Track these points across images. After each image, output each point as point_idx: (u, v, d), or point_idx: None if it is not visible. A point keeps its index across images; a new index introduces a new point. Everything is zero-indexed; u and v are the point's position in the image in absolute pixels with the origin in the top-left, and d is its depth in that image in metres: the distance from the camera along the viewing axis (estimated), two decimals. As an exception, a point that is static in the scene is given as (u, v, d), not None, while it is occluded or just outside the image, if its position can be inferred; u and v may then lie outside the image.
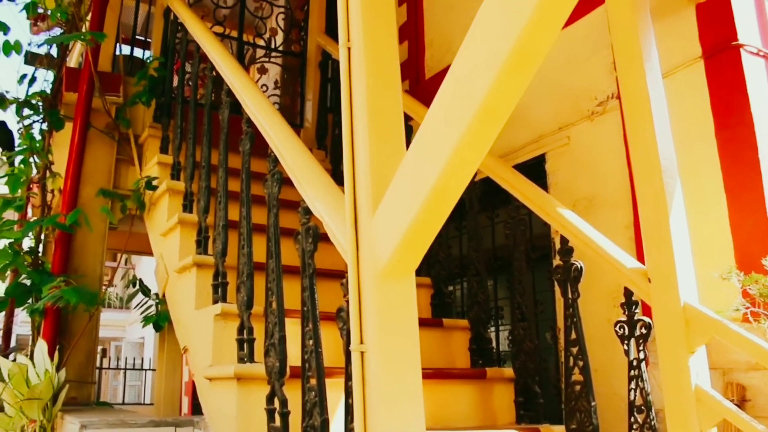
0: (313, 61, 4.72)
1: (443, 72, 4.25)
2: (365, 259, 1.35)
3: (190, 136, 3.17)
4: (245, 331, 2.26)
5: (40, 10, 3.89)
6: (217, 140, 2.78)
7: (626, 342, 2.33)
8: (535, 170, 3.41)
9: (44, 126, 3.83)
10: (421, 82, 4.52)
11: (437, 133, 1.14)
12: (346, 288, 1.43)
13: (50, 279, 3.27)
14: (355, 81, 1.44)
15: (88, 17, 3.84)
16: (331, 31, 4.68)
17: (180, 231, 3.00)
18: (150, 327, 3.83)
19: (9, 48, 3.62)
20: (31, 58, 4.10)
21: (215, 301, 2.54)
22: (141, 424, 2.66)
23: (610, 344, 2.64)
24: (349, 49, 1.47)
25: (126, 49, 4.15)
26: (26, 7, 3.89)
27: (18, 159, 3.69)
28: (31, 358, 3.05)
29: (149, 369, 13.63)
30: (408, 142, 1.40)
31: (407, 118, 2.98)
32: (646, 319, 2.29)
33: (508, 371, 2.82)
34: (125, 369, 13.63)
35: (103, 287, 3.70)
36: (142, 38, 4.94)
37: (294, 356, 1.96)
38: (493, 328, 3.43)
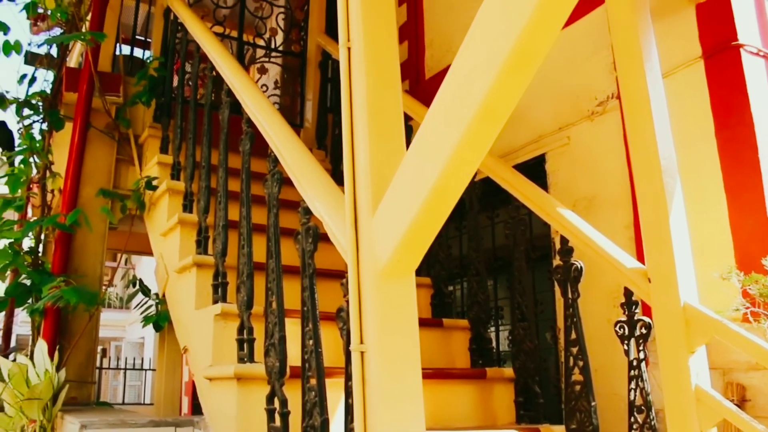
0: (313, 61, 4.72)
1: (443, 72, 4.25)
2: (365, 259, 1.35)
3: (190, 136, 3.17)
4: (245, 331, 2.26)
5: (40, 10, 3.89)
6: (217, 140, 2.78)
7: (626, 342, 2.33)
8: (535, 170, 3.41)
9: (44, 126, 3.83)
10: (421, 82, 4.52)
11: (437, 132, 1.14)
12: (346, 288, 1.43)
13: (50, 279, 3.27)
14: (355, 81, 1.44)
15: (88, 17, 3.84)
16: (331, 31, 4.68)
17: (180, 231, 3.00)
18: (150, 327, 3.83)
19: (9, 48, 3.63)
20: (31, 58, 4.10)
21: (215, 301, 2.54)
22: (141, 424, 2.66)
23: (610, 344, 2.64)
24: (349, 49, 1.47)
25: (126, 49, 4.15)
26: (26, 7, 3.89)
27: (18, 159, 3.70)
28: (31, 358, 3.05)
29: (149, 369, 13.63)
30: (408, 142, 1.40)
31: (407, 118, 2.98)
32: (646, 319, 2.29)
33: (508, 371, 2.82)
34: (125, 369, 13.63)
35: (103, 287, 3.70)
36: (142, 38, 4.94)
37: (294, 356, 1.96)
38: (493, 328, 3.43)
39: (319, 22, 4.75)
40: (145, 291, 3.81)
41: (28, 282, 3.35)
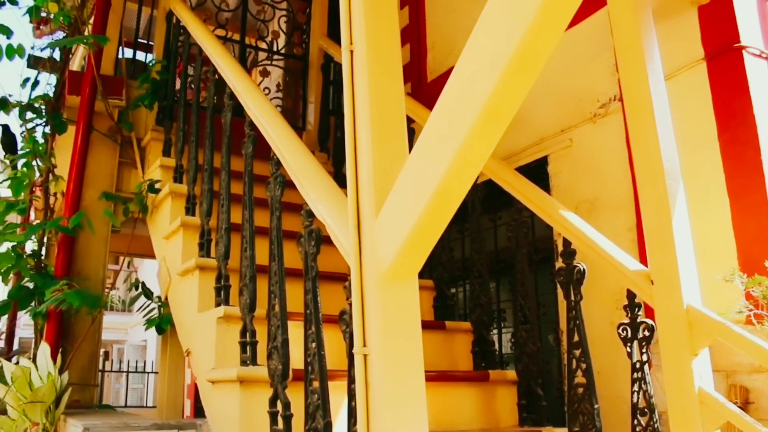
0: (315, 63, 4.72)
1: (445, 75, 4.26)
2: (368, 262, 1.35)
3: (193, 139, 3.17)
4: (248, 334, 2.25)
5: (43, 14, 3.91)
6: (219, 143, 2.78)
7: (629, 344, 2.33)
8: (537, 172, 3.41)
9: (47, 129, 3.84)
10: (423, 85, 4.53)
11: (440, 135, 1.14)
12: (349, 291, 1.43)
13: (53, 282, 3.27)
14: (357, 84, 1.44)
15: (91, 21, 3.85)
16: (333, 33, 4.68)
17: (183, 234, 3.00)
18: (152, 330, 3.83)
19: (12, 51, 3.63)
20: (34, 62, 4.11)
21: (218, 304, 2.54)
22: (144, 427, 2.66)
23: (612, 347, 2.64)
24: (351, 52, 1.47)
25: (128, 53, 4.15)
26: (29, 11, 3.90)
27: (21, 162, 3.70)
28: (34, 361, 3.06)
29: (151, 372, 13.64)
30: (410, 145, 1.40)
31: (409, 121, 2.99)
32: (649, 322, 2.29)
33: (511, 374, 2.82)
34: (127, 372, 13.64)
35: (106, 290, 3.70)
36: (145, 41, 4.94)
37: (297, 359, 1.96)
38: (495, 331, 3.43)
39: (321, 25, 4.76)
40: (148, 294, 3.81)
41: (30, 285, 3.36)
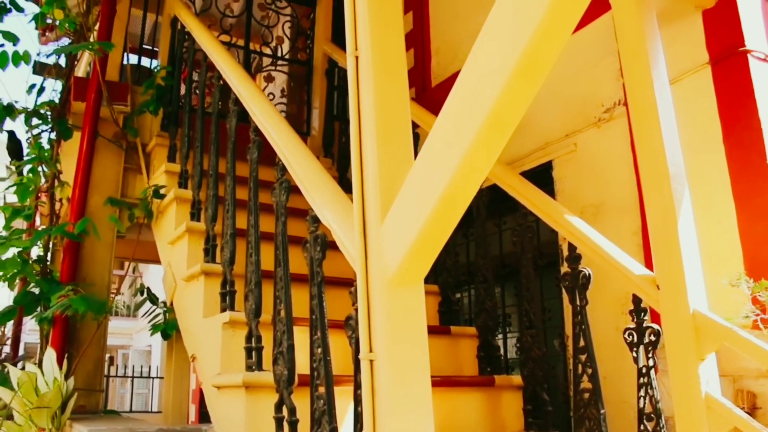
0: (319, 69, 4.74)
1: (449, 79, 4.26)
2: (374, 268, 1.35)
3: (198, 145, 3.18)
4: (253, 340, 2.26)
5: (49, 21, 3.92)
6: (224, 149, 2.79)
7: (635, 349, 2.32)
8: (542, 177, 3.41)
9: (53, 135, 3.86)
10: (427, 90, 4.53)
11: (446, 140, 1.14)
12: (355, 296, 1.43)
13: (59, 288, 3.28)
14: (363, 89, 1.44)
15: (96, 27, 3.87)
16: (337, 39, 4.70)
17: (188, 239, 3.00)
18: (157, 335, 3.84)
19: (18, 58, 3.65)
20: (40, 68, 4.13)
21: (223, 310, 2.54)
22: (149, 432, 2.67)
23: (618, 352, 2.63)
24: (357, 57, 1.47)
25: (133, 59, 4.18)
26: (35, 18, 3.93)
27: (27, 168, 3.72)
28: (40, 366, 3.06)
29: (156, 377, 13.65)
30: (414, 151, 1.40)
31: (413, 126, 2.98)
32: (655, 327, 2.28)
33: (517, 379, 2.81)
34: (132, 377, 13.65)
35: (111, 295, 3.70)
36: (150, 47, 4.96)
37: (302, 364, 1.95)
38: (500, 336, 3.42)
39: (325, 31, 4.77)
40: (153, 299, 3.82)
41: (36, 291, 3.37)
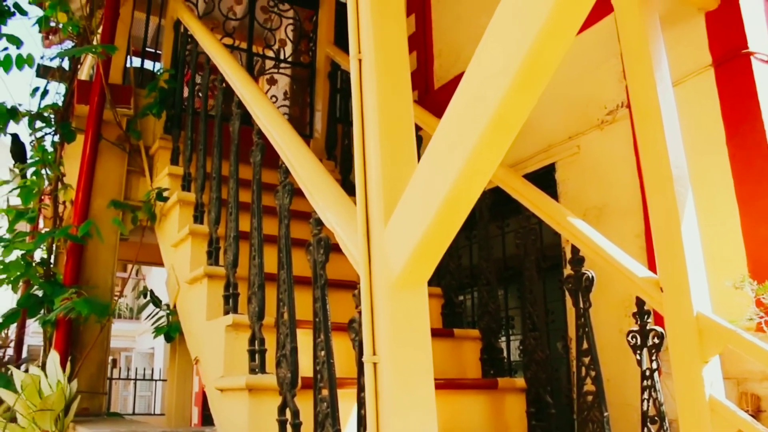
0: (322, 71, 4.74)
1: (452, 82, 4.27)
2: (377, 270, 1.35)
3: (201, 148, 3.18)
4: (257, 342, 2.25)
5: (52, 24, 3.94)
6: (227, 151, 2.79)
7: (639, 352, 2.32)
8: (545, 179, 3.41)
9: (56, 138, 3.87)
10: (430, 92, 4.54)
11: (450, 143, 1.14)
12: (359, 299, 1.43)
13: (62, 290, 3.28)
14: (366, 92, 1.44)
15: (99, 30, 3.88)
16: (340, 41, 4.70)
17: (191, 242, 3.01)
18: (160, 337, 3.84)
19: (22, 62, 3.66)
20: (44, 72, 4.14)
21: (226, 312, 2.55)
22: (152, 435, 2.67)
23: (622, 354, 2.63)
24: (360, 60, 1.47)
25: (136, 62, 4.18)
26: (38, 21, 3.94)
27: (30, 171, 3.73)
28: (44, 368, 3.07)
29: (159, 379, 13.65)
30: (417, 153, 1.40)
31: (416, 129, 2.99)
32: (659, 329, 2.28)
33: (520, 381, 2.81)
34: (135, 379, 13.66)
35: (114, 298, 3.71)
36: (153, 50, 4.97)
37: (305, 367, 1.95)
38: (504, 338, 3.42)
39: (327, 33, 4.77)
40: (156, 302, 3.82)
41: (40, 293, 3.37)
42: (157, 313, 3.81)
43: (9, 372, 3.07)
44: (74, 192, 3.63)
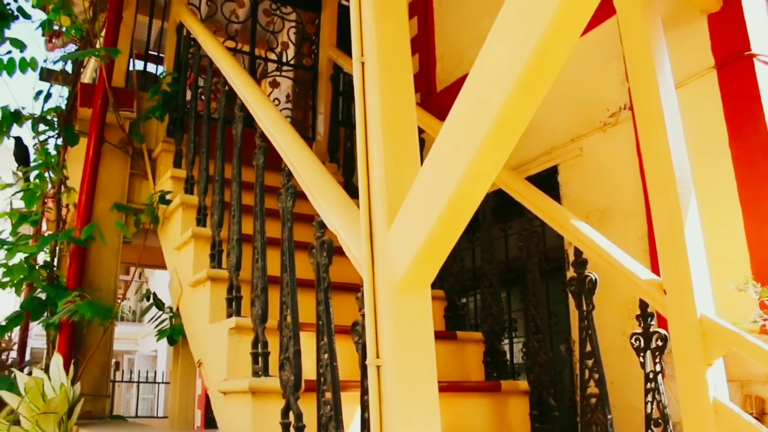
0: (324, 74, 4.74)
1: (454, 84, 4.27)
2: (381, 273, 1.35)
3: (204, 151, 3.18)
4: (260, 345, 2.25)
5: (56, 27, 3.95)
6: (230, 154, 2.79)
7: (642, 354, 2.31)
8: (547, 182, 3.41)
9: (59, 141, 3.87)
10: (432, 95, 4.54)
11: (453, 145, 1.14)
12: (362, 302, 1.43)
13: (65, 293, 3.29)
14: (369, 95, 1.44)
15: (102, 33, 3.89)
16: (342, 44, 4.71)
17: (194, 245, 3.01)
18: (163, 340, 3.84)
19: (25, 65, 3.67)
20: (47, 75, 4.15)
21: (229, 315, 2.55)
22: (155, 438, 2.66)
23: (625, 357, 2.62)
24: (363, 63, 1.48)
25: (139, 65, 4.19)
26: (42, 25, 3.95)
27: (33, 174, 3.73)
28: (47, 371, 3.07)
29: (162, 382, 13.66)
30: (420, 156, 1.40)
31: (419, 131, 2.99)
32: (662, 331, 2.28)
33: (523, 384, 2.81)
34: (138, 382, 13.66)
35: (117, 301, 3.71)
36: (156, 53, 4.98)
37: (309, 370, 1.95)
38: (507, 341, 3.41)
39: (330, 36, 4.78)
40: (159, 305, 3.82)
41: (43, 296, 3.38)
42: (160, 316, 3.82)
43: (12, 375, 3.07)
44: (77, 195, 3.64)
